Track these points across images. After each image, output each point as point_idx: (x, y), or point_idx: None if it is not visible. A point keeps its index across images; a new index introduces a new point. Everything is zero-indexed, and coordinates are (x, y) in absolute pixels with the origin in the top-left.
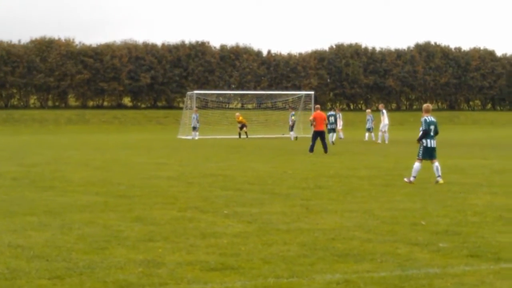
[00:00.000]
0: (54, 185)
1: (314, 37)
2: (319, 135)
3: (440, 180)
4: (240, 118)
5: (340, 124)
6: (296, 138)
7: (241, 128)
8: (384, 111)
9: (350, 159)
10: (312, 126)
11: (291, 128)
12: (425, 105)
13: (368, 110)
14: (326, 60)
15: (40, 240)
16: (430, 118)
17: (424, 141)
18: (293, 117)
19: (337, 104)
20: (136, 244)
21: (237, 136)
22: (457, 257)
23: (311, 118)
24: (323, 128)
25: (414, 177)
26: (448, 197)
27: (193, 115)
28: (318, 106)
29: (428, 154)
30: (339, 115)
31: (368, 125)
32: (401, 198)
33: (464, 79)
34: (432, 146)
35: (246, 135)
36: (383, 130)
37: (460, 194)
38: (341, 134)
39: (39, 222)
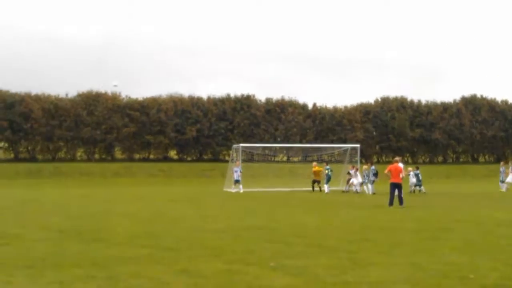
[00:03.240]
0: (100, 237)
1: (359, 90)
2: (396, 187)
3: None
4: (316, 168)
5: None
6: (329, 191)
7: (313, 182)
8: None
9: (395, 212)
10: (388, 179)
11: (327, 181)
12: None
13: (366, 166)
14: (371, 113)
15: None
16: None
17: None
18: (327, 171)
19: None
20: None
21: (311, 189)
22: None
23: (386, 170)
24: (400, 180)
25: None
26: (497, 251)
27: (237, 169)
28: (397, 158)
29: None
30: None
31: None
32: (448, 251)
33: None
34: None
35: (320, 189)
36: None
37: (508, 248)
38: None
39: (85, 274)
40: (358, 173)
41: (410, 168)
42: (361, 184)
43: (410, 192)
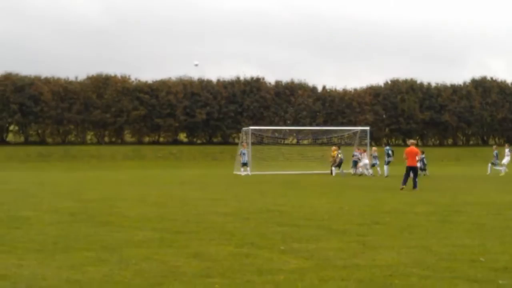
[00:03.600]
0: (111, 221)
1: (369, 72)
2: (411, 170)
3: None
4: (335, 152)
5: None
6: (342, 173)
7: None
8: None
9: (406, 195)
10: (405, 161)
11: (338, 165)
12: None
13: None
14: (381, 95)
15: (98, 275)
16: None
17: None
18: (339, 155)
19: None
20: (193, 280)
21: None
22: None
23: (404, 155)
24: (415, 163)
25: None
26: (507, 234)
27: (244, 151)
28: (412, 141)
29: None
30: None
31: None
32: (459, 234)
33: None
34: None
35: (332, 172)
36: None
37: None
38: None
39: (96, 257)
40: (365, 155)
41: None
42: (373, 166)
43: None
